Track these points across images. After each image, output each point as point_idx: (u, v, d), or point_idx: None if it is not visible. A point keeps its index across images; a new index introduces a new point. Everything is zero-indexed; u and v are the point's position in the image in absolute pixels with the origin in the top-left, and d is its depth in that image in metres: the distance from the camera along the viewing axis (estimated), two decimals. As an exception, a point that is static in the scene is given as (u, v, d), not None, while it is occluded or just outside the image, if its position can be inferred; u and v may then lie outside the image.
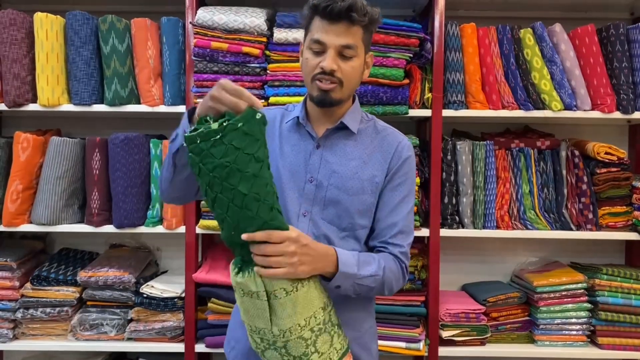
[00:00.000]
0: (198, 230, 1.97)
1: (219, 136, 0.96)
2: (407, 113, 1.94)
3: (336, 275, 1.15)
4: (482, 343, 2.01)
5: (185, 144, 1.00)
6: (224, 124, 0.97)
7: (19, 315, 1.98)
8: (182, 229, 1.98)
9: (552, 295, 2.00)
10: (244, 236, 1.03)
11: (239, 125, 0.97)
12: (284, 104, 1.87)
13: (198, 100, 1.93)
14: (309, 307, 1.09)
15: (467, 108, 2.00)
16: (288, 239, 1.07)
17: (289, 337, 1.07)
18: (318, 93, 1.24)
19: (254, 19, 1.90)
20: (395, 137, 1.34)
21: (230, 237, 1.05)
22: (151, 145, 2.00)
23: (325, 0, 1.18)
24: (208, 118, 1.03)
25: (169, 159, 1.19)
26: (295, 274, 1.08)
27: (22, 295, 1.99)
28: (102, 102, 2.00)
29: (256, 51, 1.91)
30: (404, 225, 1.30)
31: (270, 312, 1.06)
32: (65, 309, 1.99)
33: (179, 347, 1.99)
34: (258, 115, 0.99)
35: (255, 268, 1.06)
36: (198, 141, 0.97)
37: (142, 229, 2.00)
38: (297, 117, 1.33)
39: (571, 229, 2.01)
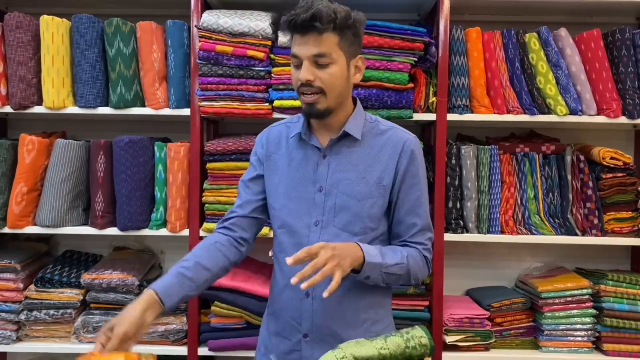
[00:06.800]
0: (202, 233, 1.97)
1: None
2: (412, 117, 1.94)
3: (364, 265, 1.19)
4: (486, 348, 2.00)
5: None
6: None
7: (22, 317, 1.98)
8: (185, 232, 1.98)
9: (557, 300, 1.99)
10: (289, 260, 1.11)
11: None
12: (288, 108, 1.92)
13: (203, 103, 1.93)
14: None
15: (472, 112, 2.00)
16: (319, 249, 1.13)
17: None
18: (304, 106, 1.27)
19: (258, 22, 1.90)
20: (401, 135, 1.34)
21: None
22: (155, 148, 2.00)
23: (290, 14, 1.19)
24: None
25: None
26: (345, 271, 1.14)
27: (26, 297, 1.99)
28: (107, 105, 2.00)
29: (261, 54, 1.91)
30: (423, 224, 1.33)
31: None
32: (68, 311, 1.99)
33: (182, 350, 1.98)
34: None
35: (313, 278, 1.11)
36: None
37: (146, 232, 2.00)
38: (300, 133, 1.34)
39: (576, 234, 2.00)
